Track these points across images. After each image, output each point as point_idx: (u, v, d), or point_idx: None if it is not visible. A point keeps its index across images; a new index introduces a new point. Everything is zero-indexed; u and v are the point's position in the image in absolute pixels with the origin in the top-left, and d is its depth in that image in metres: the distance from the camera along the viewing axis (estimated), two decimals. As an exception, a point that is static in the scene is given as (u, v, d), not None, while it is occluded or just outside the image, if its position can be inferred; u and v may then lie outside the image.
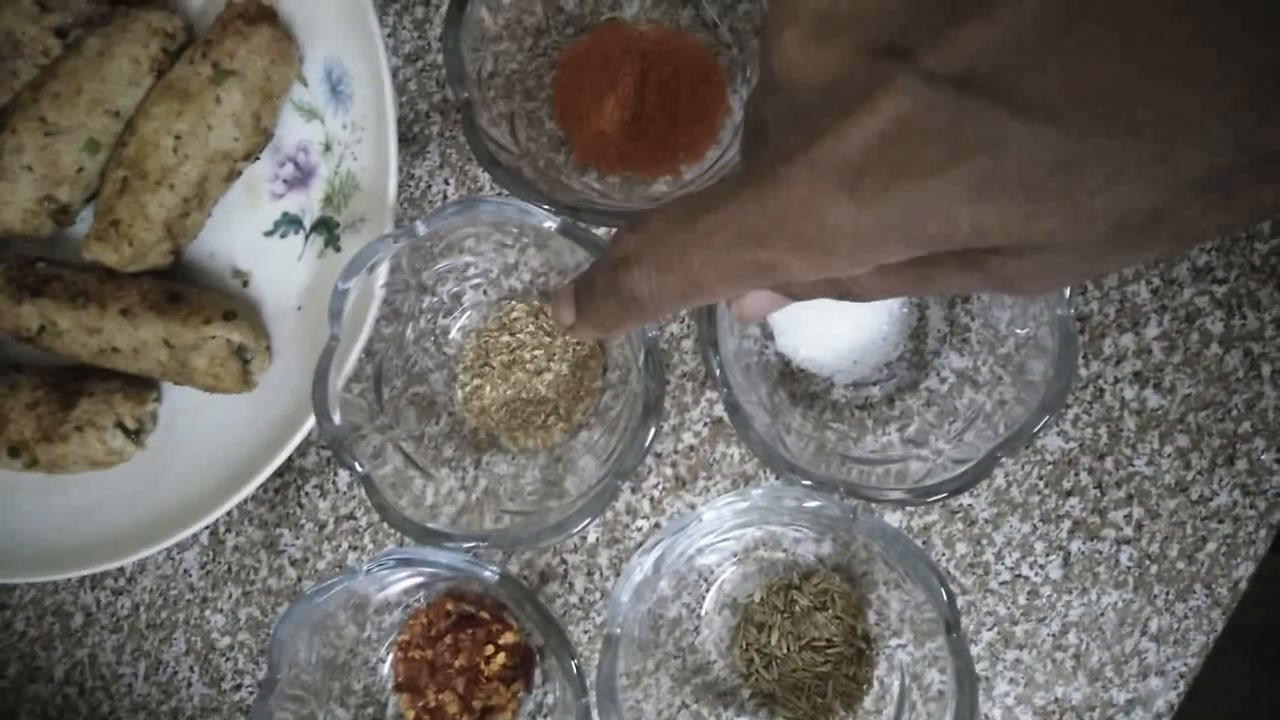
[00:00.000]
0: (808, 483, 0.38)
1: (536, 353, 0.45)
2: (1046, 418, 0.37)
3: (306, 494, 0.48)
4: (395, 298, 0.44)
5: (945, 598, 0.36)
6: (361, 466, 0.40)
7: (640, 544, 0.45)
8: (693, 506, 0.45)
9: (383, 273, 0.41)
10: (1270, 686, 1.05)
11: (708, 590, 0.44)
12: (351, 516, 0.47)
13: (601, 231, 0.46)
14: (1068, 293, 0.37)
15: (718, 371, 0.38)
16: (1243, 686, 1.05)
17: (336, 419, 0.40)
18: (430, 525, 0.40)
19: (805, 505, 0.38)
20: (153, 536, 0.45)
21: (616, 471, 0.39)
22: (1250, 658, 1.04)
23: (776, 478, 0.41)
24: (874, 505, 0.40)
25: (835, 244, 0.21)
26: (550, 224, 0.39)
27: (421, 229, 0.40)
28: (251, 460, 0.45)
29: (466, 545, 0.40)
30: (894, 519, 0.44)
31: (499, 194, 0.46)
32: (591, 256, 0.39)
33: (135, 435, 0.45)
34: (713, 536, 0.42)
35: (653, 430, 0.38)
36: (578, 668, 0.39)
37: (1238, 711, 1.04)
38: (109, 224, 0.43)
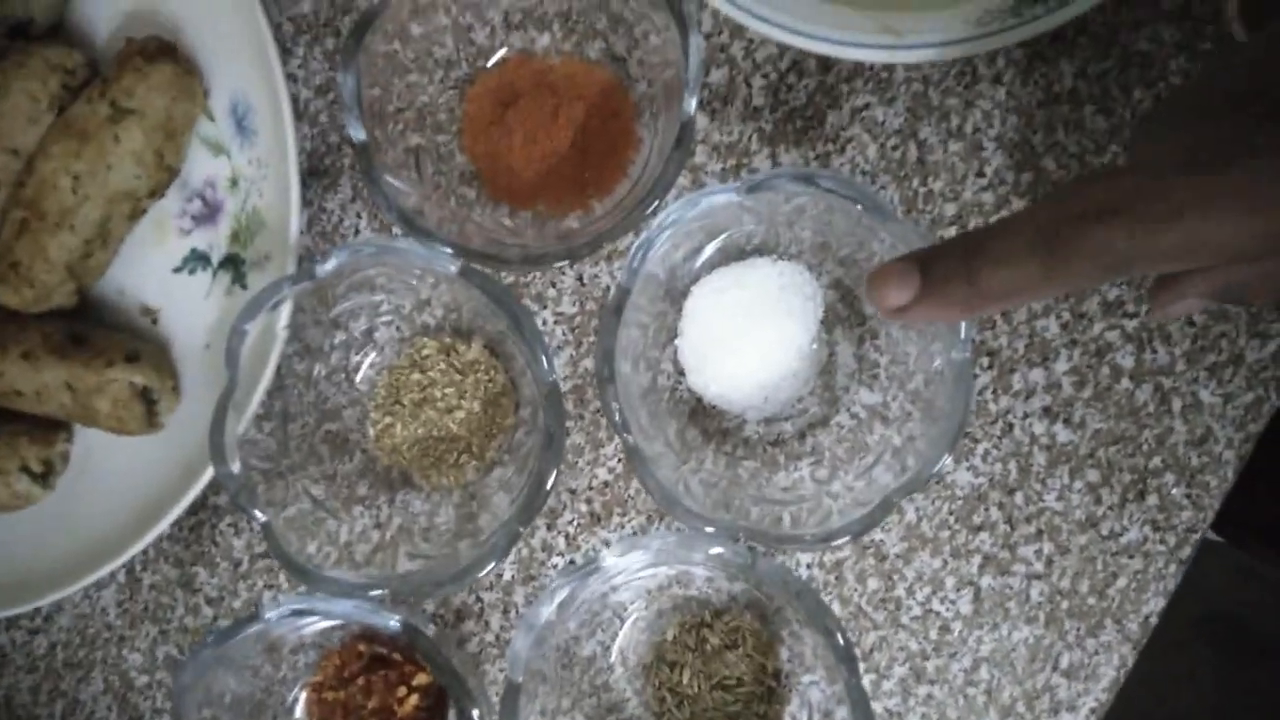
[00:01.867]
0: (710, 529, 0.38)
1: (448, 390, 0.44)
2: (942, 462, 0.36)
3: (221, 532, 0.47)
4: (305, 334, 0.44)
5: (841, 643, 0.36)
6: (262, 513, 0.39)
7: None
8: (608, 543, 0.45)
9: (285, 313, 0.41)
10: (1233, 675, 1.06)
11: (621, 628, 0.44)
12: (267, 554, 0.47)
13: (508, 279, 0.45)
14: (963, 333, 0.37)
15: (617, 417, 0.38)
16: (1206, 675, 1.06)
17: (235, 466, 0.39)
18: (329, 573, 0.39)
19: (709, 552, 0.38)
20: (65, 579, 0.45)
21: (519, 517, 0.39)
22: (1213, 647, 1.05)
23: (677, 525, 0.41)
24: (780, 550, 0.39)
25: None
26: (452, 267, 0.39)
27: (321, 270, 0.39)
28: (163, 499, 0.44)
29: (372, 594, 0.39)
30: (805, 553, 0.44)
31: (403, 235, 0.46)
32: (492, 302, 0.39)
33: (42, 478, 0.45)
34: (624, 576, 0.42)
35: (553, 475, 0.38)
36: (480, 718, 0.38)
37: (1202, 699, 1.05)
38: (8, 266, 0.42)
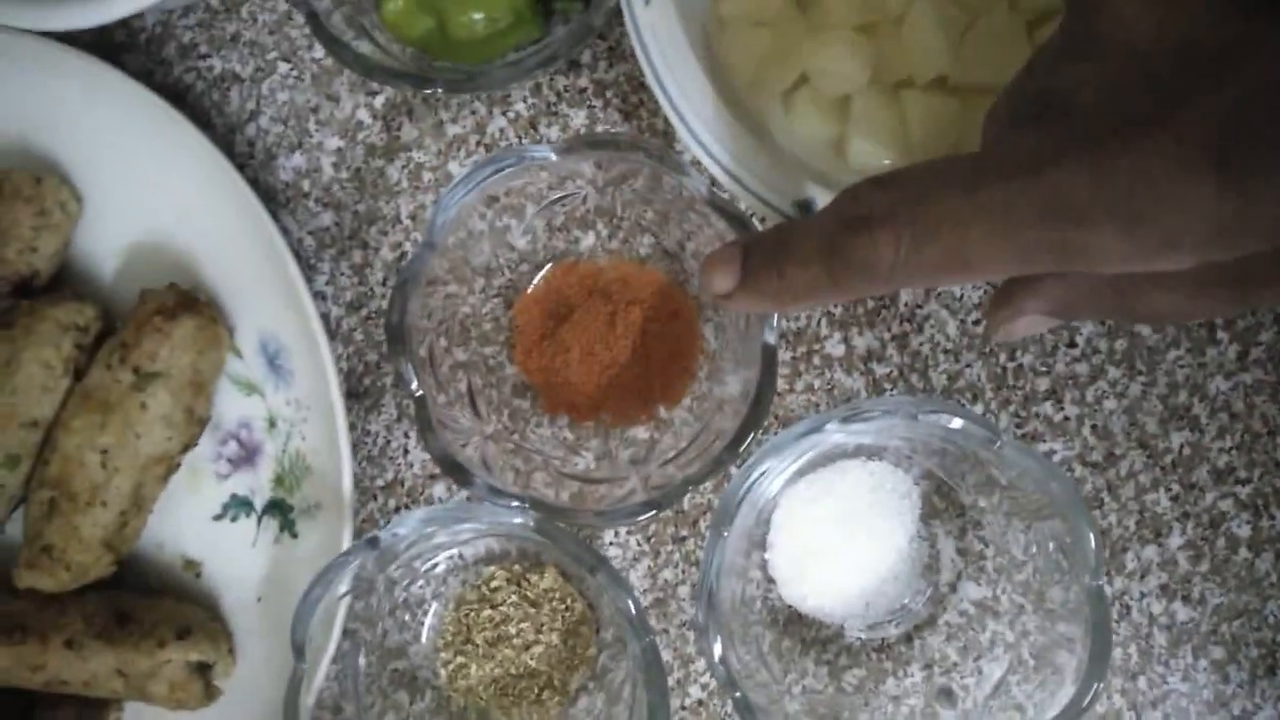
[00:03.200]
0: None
1: (523, 625, 0.41)
2: (1094, 691, 0.34)
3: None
4: (364, 571, 0.41)
5: None
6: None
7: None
8: (709, 767, 0.42)
9: (348, 578, 0.38)
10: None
11: None
12: (344, 806, 0.44)
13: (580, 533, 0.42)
14: (1091, 551, 0.34)
15: (724, 678, 0.35)
16: None
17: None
18: None
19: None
20: None
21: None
22: None
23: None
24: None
25: (1184, 229, 0.19)
26: (523, 520, 0.36)
27: (386, 539, 0.37)
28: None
29: None
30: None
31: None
32: (566, 553, 0.36)
33: (97, 761, 0.42)
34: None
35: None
36: None
37: None
38: (40, 550, 0.39)
